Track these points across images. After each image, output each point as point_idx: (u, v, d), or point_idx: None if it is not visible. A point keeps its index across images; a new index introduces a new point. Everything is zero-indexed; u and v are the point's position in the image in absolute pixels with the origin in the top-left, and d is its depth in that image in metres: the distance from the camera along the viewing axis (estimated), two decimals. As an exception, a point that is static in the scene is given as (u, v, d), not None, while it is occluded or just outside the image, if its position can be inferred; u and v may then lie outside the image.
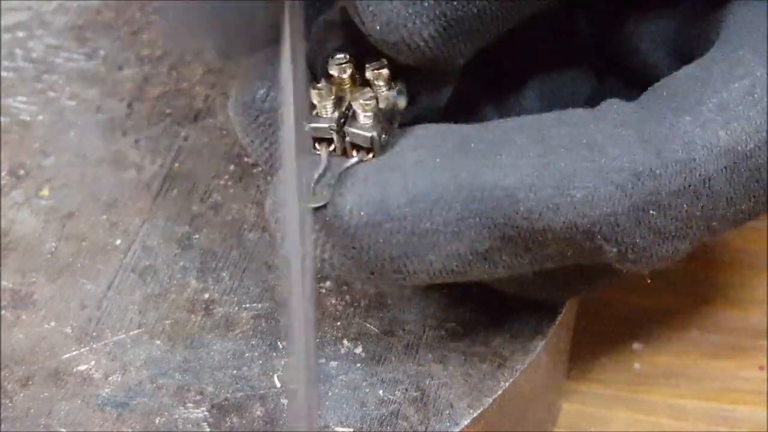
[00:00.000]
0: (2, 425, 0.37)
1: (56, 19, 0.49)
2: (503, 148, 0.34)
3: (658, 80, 0.37)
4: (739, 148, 0.34)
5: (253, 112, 0.37)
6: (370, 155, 0.35)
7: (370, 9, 0.34)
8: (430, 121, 0.37)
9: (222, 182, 0.44)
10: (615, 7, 0.40)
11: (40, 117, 0.46)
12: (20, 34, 0.49)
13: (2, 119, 0.46)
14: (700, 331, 0.47)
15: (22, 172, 0.44)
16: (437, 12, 0.34)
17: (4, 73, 0.47)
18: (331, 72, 0.36)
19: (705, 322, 0.47)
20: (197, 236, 0.42)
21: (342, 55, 0.36)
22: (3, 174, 0.44)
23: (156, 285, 0.41)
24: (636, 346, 0.46)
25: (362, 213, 0.34)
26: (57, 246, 0.42)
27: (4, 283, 0.41)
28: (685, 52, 0.38)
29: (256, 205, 0.43)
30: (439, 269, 0.35)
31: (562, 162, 0.34)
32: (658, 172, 0.34)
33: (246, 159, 0.44)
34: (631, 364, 0.46)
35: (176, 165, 0.44)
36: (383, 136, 0.35)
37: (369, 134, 0.35)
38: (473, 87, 0.38)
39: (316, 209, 0.34)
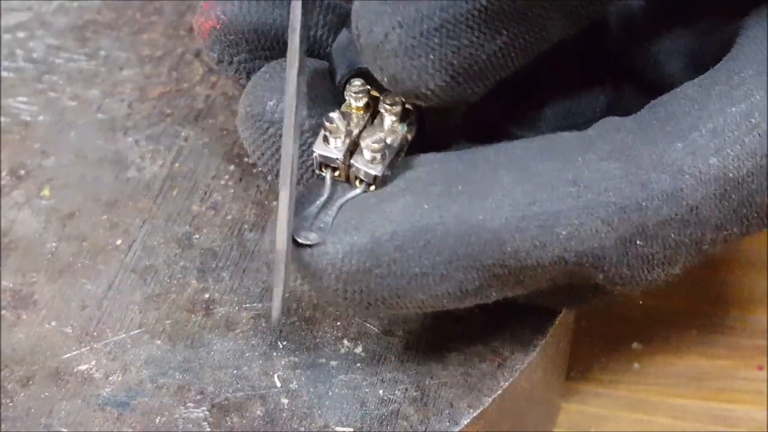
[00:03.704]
0: (3, 425, 0.38)
1: (57, 19, 0.49)
2: (489, 189, 0.34)
3: None
4: (731, 174, 0.34)
5: (263, 124, 0.37)
6: (372, 187, 0.35)
7: (377, 63, 0.34)
8: (438, 142, 0.37)
9: (222, 182, 0.44)
10: (634, 18, 0.40)
11: (41, 117, 0.46)
12: (21, 34, 0.49)
13: (3, 119, 0.46)
14: (700, 331, 0.47)
15: (22, 172, 0.44)
16: (444, 63, 0.34)
17: (4, 74, 0.47)
18: (346, 97, 0.36)
19: (705, 322, 0.47)
20: (197, 236, 0.42)
21: (359, 82, 0.36)
22: (4, 174, 0.44)
23: (156, 285, 0.41)
24: (636, 345, 0.46)
25: (353, 261, 0.34)
26: (58, 246, 0.42)
27: (4, 283, 0.41)
28: (703, 64, 0.38)
29: (256, 205, 0.43)
30: (430, 305, 0.35)
31: (548, 201, 0.34)
32: (644, 204, 0.34)
33: (246, 159, 0.44)
34: (631, 363, 0.46)
35: (176, 165, 0.44)
36: (387, 172, 0.35)
37: (373, 173, 0.35)
38: (486, 96, 0.38)
39: (309, 246, 0.34)
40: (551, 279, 0.35)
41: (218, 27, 0.39)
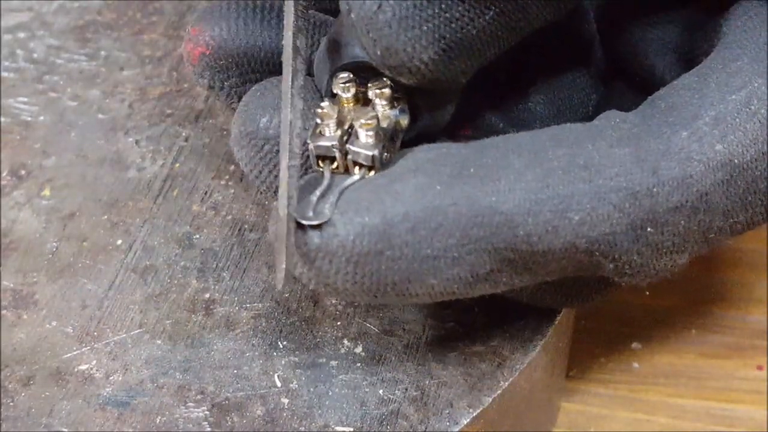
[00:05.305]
0: (3, 425, 0.38)
1: (57, 19, 0.49)
2: (501, 172, 0.34)
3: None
4: (736, 160, 0.35)
5: (258, 142, 0.37)
6: (372, 172, 0.35)
7: (371, 35, 0.34)
8: (434, 138, 0.37)
9: (222, 182, 0.44)
10: (622, 14, 0.40)
11: (42, 117, 0.46)
12: (21, 34, 0.49)
13: (3, 119, 0.46)
14: (700, 330, 0.47)
15: (23, 172, 0.44)
16: (436, 35, 0.34)
17: (5, 74, 0.47)
18: (335, 91, 0.36)
19: (704, 321, 0.47)
20: (198, 236, 0.42)
21: (345, 75, 0.36)
22: (4, 174, 0.44)
23: (157, 285, 0.41)
24: (635, 345, 0.47)
25: (365, 242, 0.34)
26: (58, 246, 0.42)
27: (5, 283, 0.41)
28: (693, 58, 0.38)
29: (256, 205, 0.43)
30: (440, 291, 0.35)
31: (560, 185, 0.34)
32: (655, 190, 0.34)
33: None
34: (631, 363, 0.46)
35: (177, 165, 0.44)
36: (385, 154, 0.35)
37: (370, 153, 0.35)
38: (479, 95, 0.39)
39: (316, 227, 0.34)
40: (560, 269, 0.35)
41: (208, 53, 0.39)
